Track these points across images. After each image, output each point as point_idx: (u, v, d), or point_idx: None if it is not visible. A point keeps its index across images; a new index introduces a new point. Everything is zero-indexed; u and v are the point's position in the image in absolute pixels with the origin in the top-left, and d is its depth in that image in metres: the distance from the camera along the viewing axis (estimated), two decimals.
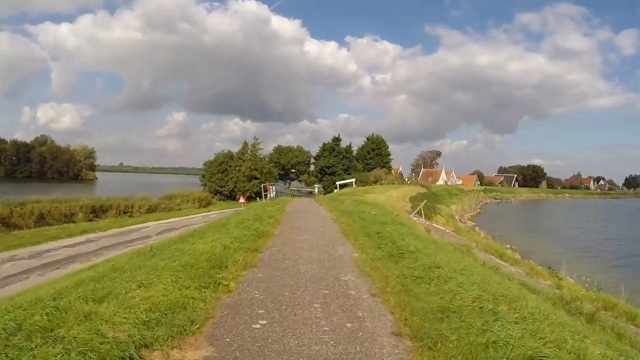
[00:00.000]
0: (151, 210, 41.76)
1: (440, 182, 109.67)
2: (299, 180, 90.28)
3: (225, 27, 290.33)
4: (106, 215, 34.65)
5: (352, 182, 48.16)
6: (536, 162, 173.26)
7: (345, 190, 40.83)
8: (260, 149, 68.97)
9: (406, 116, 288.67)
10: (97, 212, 34.26)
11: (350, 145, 79.20)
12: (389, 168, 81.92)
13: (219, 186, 65.85)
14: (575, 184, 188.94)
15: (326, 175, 74.55)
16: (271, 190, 46.01)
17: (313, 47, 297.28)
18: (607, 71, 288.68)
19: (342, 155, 75.40)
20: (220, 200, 64.57)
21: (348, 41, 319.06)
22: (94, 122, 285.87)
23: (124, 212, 36.45)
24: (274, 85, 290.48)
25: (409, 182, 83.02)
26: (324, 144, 77.83)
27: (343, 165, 74.53)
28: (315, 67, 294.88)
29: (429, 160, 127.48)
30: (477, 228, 40.13)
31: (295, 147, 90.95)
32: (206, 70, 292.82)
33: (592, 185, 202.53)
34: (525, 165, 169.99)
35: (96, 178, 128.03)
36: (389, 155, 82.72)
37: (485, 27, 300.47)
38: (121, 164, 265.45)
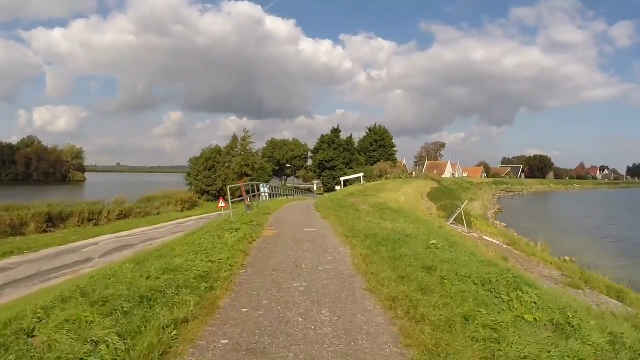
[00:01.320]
0: (123, 216, 36.26)
1: (447, 174, 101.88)
2: (296, 176, 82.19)
3: (219, 29, 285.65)
4: (66, 225, 29.13)
5: (360, 177, 40.09)
6: (533, 153, 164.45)
7: (352, 188, 32.76)
8: (251, 142, 60.83)
9: (403, 111, 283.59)
10: (54, 220, 28.51)
11: (351, 136, 71.29)
12: (394, 161, 73.93)
13: (206, 185, 57.82)
14: (582, 174, 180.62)
15: (326, 170, 66.52)
16: (262, 192, 38.41)
17: (308, 46, 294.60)
18: (602, 63, 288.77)
19: (343, 148, 67.38)
20: (207, 201, 56.48)
21: (343, 39, 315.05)
22: (90, 124, 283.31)
23: (89, 220, 31.23)
24: (269, 84, 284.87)
25: (415, 175, 74.99)
26: (323, 136, 69.77)
27: (344, 159, 66.52)
28: (310, 66, 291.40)
29: (433, 152, 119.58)
30: (511, 230, 32.21)
31: (290, 140, 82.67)
32: (201, 72, 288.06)
33: (598, 174, 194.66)
34: (532, 155, 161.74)
35: (85, 179, 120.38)
36: (393, 147, 74.73)
37: (480, 22, 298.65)
38: (118, 164, 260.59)
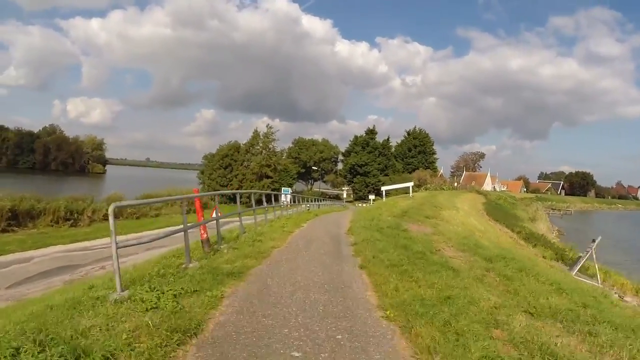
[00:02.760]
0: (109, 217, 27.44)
1: (486, 187, 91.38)
2: (324, 181, 72.93)
3: (256, 25, 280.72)
4: (36, 224, 25.35)
5: (409, 186, 30.53)
6: (566, 169, 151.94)
7: (400, 202, 23.25)
8: (275, 139, 51.88)
9: (436, 119, 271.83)
10: (20, 218, 24.67)
11: (388, 139, 61.77)
12: (434, 169, 64.08)
13: (221, 185, 49.34)
14: (623, 194, 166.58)
15: (357, 176, 57.12)
16: (283, 201, 29.54)
17: (344, 48, 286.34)
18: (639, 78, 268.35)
19: (378, 152, 57.90)
20: (221, 202, 47.14)
21: (379, 42, 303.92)
22: (123, 117, 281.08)
23: (66, 219, 26.97)
24: (303, 84, 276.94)
25: (457, 186, 64.94)
26: (356, 137, 60.34)
27: (379, 164, 57.03)
28: (345, 68, 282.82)
29: (471, 163, 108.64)
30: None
31: (319, 140, 73.37)
32: (236, 68, 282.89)
33: (639, 194, 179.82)
34: (573, 171, 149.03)
35: (104, 171, 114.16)
36: (434, 153, 65.05)
37: (518, 30, 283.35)
38: (148, 159, 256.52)
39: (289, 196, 40.93)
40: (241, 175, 49.28)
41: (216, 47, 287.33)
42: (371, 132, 59.68)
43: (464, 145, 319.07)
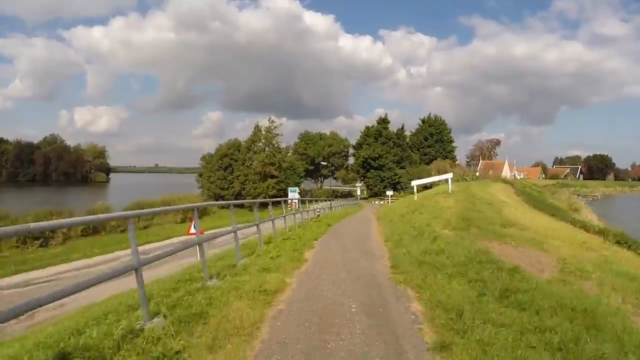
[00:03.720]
0: (92, 231, 27.78)
1: (505, 175, 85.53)
2: (334, 178, 67.14)
3: (257, 24, 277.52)
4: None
5: (449, 179, 24.83)
6: (574, 153, 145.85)
7: (441, 200, 17.52)
8: (278, 134, 46.36)
9: (442, 109, 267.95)
10: None
11: (402, 128, 55.80)
12: (453, 159, 58.11)
13: (221, 188, 43.96)
14: None
15: (371, 170, 51.28)
16: (291, 201, 23.87)
17: (347, 42, 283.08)
18: None
19: (393, 142, 52.06)
20: (222, 207, 41.96)
21: (382, 34, 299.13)
22: (130, 124, 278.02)
23: (35, 238, 23.60)
24: (308, 81, 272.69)
25: (478, 175, 58.99)
26: (367, 128, 54.32)
27: (394, 156, 51.18)
28: (350, 62, 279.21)
29: (487, 151, 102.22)
30: None
31: (327, 133, 67.35)
32: (240, 68, 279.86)
33: None
34: (591, 155, 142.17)
35: (107, 180, 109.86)
36: (452, 141, 58.83)
37: (521, 16, 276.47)
38: (156, 164, 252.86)
39: (296, 196, 35.46)
40: (243, 177, 43.87)
41: (219, 48, 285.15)
42: (383, 122, 53.76)
43: (472, 135, 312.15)
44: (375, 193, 50.81)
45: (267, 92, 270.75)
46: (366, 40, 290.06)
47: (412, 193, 27.54)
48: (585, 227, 19.02)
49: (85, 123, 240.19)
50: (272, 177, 43.77)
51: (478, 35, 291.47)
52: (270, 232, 9.88)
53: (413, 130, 58.60)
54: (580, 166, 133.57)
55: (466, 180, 46.20)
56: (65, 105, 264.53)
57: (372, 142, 51.42)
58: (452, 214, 12.68)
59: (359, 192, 53.38)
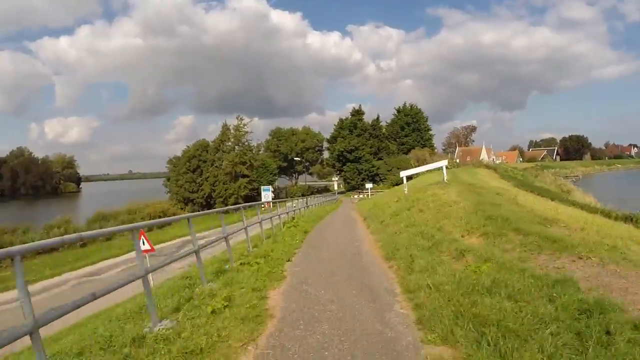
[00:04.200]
0: (49, 248, 24.01)
1: (484, 160, 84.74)
2: (309, 173, 64.87)
3: (225, 26, 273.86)
4: None
5: (443, 166, 22.67)
6: (546, 136, 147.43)
7: (440, 192, 15.14)
8: (248, 132, 43.94)
9: (413, 101, 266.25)
10: None
11: (378, 118, 53.82)
12: (432, 147, 56.47)
13: (190, 191, 41.37)
14: (617, 153, 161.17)
15: (347, 163, 49.22)
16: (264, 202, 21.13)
17: (316, 39, 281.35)
18: (613, 40, 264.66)
19: (369, 134, 50.08)
20: (193, 211, 39.20)
21: (350, 30, 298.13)
22: (102, 133, 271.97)
23: None
24: (278, 80, 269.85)
25: (459, 162, 57.51)
26: (341, 120, 52.18)
27: (371, 147, 49.23)
28: (319, 59, 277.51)
29: (463, 138, 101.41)
30: None
31: (300, 129, 64.92)
32: (210, 71, 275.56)
33: (632, 152, 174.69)
34: (567, 136, 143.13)
35: (78, 190, 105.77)
36: (429, 129, 57.09)
37: (487, 4, 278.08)
38: (130, 171, 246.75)
39: (270, 195, 33.19)
40: (212, 178, 41.33)
41: (188, 52, 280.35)
42: (358, 113, 51.72)
43: (444, 124, 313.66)
44: (353, 187, 48.80)
45: (237, 93, 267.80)
46: (334, 37, 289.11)
47: (392, 185, 25.60)
48: (607, 213, 16.39)
49: (56, 135, 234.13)
50: (244, 176, 41.35)
51: (446, 25, 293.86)
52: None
53: (388, 121, 56.78)
54: (556, 148, 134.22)
55: (448, 168, 44.54)
56: (35, 118, 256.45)
57: (347, 135, 49.34)
58: (464, 210, 10.16)
59: (336, 187, 51.34)
